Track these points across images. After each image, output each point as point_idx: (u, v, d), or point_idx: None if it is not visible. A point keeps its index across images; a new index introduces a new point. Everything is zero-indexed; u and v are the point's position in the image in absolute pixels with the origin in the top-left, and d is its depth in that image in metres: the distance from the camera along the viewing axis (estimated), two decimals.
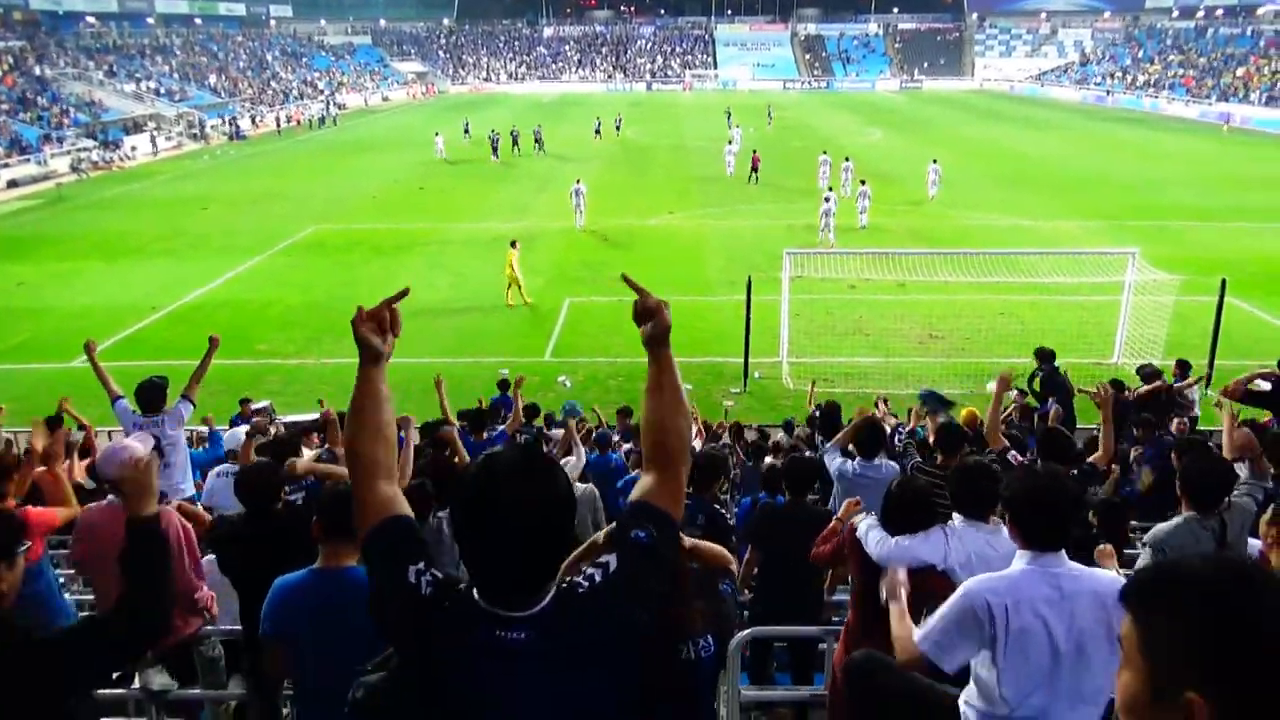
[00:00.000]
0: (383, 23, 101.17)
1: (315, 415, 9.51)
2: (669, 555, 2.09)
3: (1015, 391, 11.29)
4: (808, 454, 7.44)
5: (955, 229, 26.11)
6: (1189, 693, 1.27)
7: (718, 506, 5.70)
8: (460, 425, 8.79)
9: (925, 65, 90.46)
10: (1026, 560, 2.98)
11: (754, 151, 35.62)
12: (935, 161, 31.69)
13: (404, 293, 2.26)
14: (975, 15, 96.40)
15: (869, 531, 4.11)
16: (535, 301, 20.19)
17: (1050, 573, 2.93)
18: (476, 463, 1.93)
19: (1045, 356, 11.78)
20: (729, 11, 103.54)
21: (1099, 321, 17.03)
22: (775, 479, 6.03)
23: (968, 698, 3.10)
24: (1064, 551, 2.99)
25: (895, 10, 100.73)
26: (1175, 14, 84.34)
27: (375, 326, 2.15)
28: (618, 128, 51.29)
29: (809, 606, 5.29)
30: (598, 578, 1.94)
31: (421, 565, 1.92)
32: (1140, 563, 4.38)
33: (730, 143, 38.59)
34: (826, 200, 25.05)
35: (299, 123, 61.49)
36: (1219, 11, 77.92)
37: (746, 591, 5.72)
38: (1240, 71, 62.41)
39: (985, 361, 15.44)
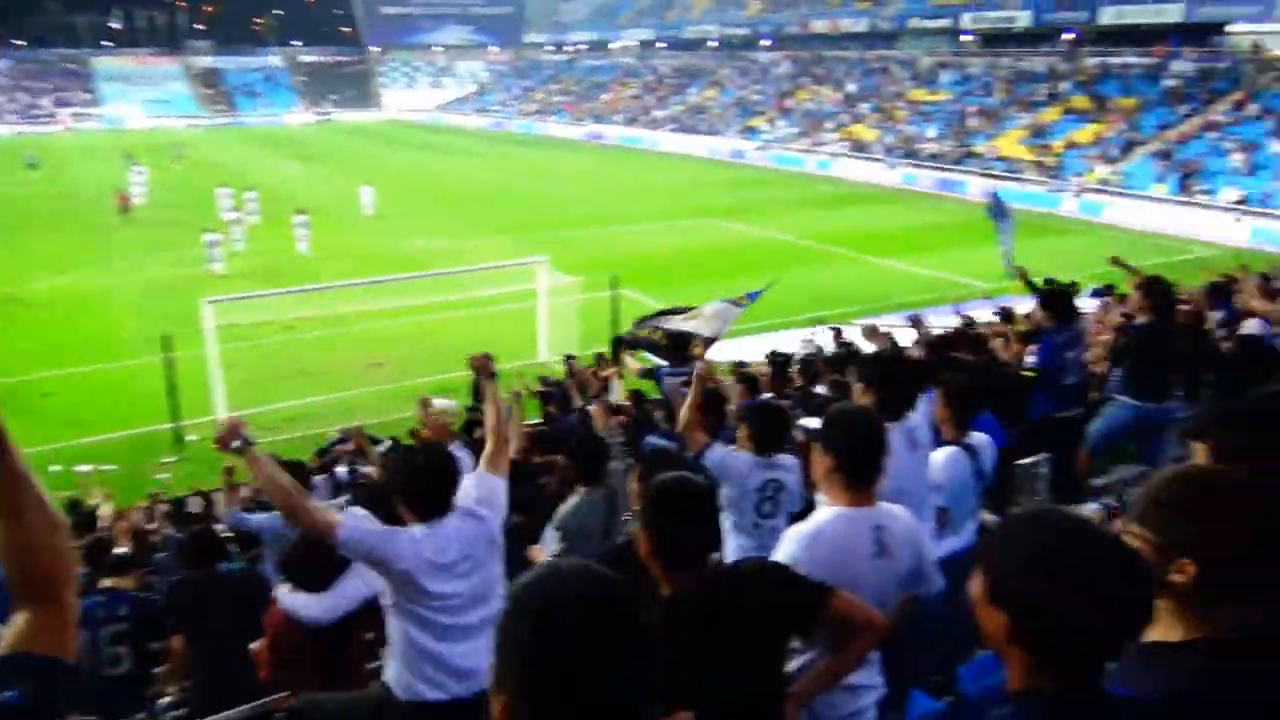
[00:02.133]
0: None
1: None
2: (60, 708, 1.62)
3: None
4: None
5: (386, 255, 26.54)
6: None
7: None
8: None
9: (334, 97, 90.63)
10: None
11: (117, 190, 34.81)
12: (369, 185, 34.52)
13: None
14: (376, 49, 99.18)
15: None
16: None
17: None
18: None
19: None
20: (108, 43, 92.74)
21: (524, 326, 18.60)
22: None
23: None
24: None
25: (296, 43, 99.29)
26: (549, 48, 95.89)
27: None
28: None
29: None
30: None
31: None
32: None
33: (134, 180, 36.92)
34: (210, 232, 25.65)
35: None
36: (583, 46, 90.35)
37: None
38: (606, 97, 73.08)
39: (430, 380, 15.92)
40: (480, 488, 3.61)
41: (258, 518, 5.98)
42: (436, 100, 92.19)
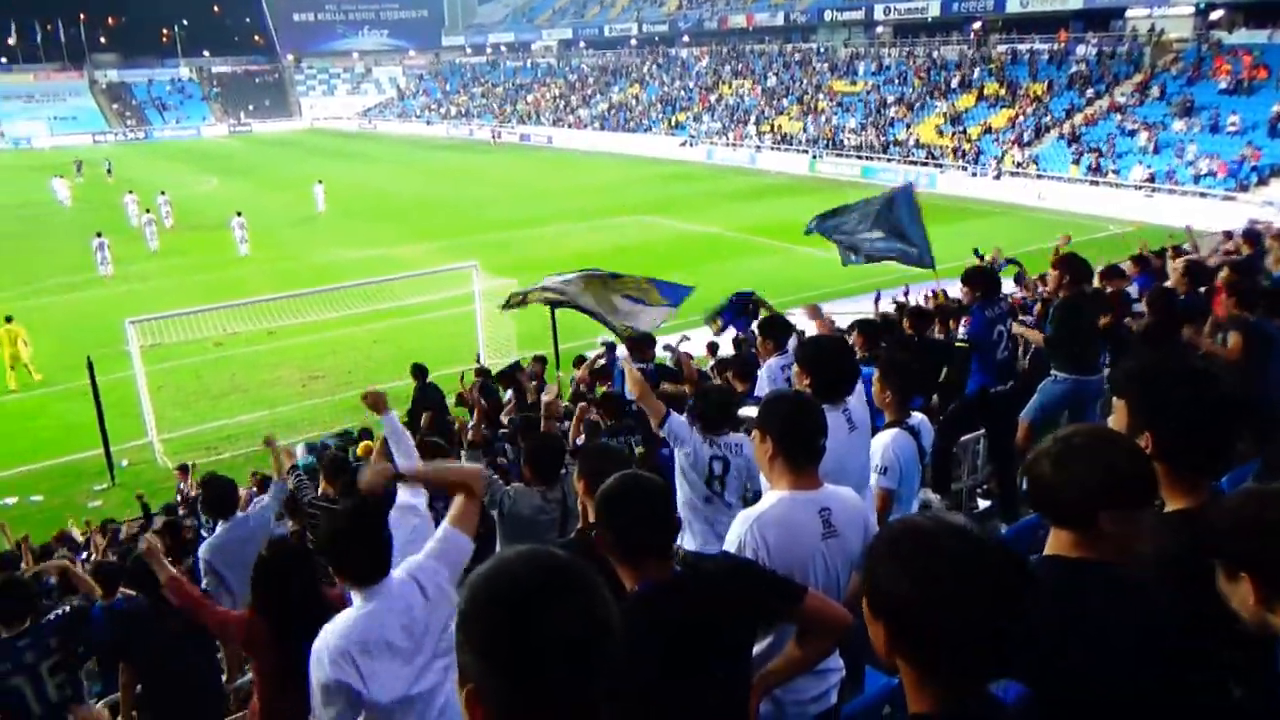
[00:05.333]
0: None
1: None
2: None
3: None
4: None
5: (314, 267, 26.10)
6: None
7: None
8: None
9: (251, 108, 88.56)
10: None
11: None
12: (320, 182, 36.40)
13: None
14: (290, 56, 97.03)
15: None
16: None
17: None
18: None
19: (418, 373, 12.51)
20: (3, 60, 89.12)
21: (462, 331, 18.47)
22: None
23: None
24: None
25: (205, 53, 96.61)
26: (469, 51, 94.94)
27: None
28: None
29: None
30: None
31: None
32: None
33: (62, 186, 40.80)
34: (99, 235, 26.58)
35: None
36: (503, 47, 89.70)
37: None
38: (530, 98, 72.69)
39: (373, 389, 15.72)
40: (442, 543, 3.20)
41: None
42: (356, 107, 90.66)
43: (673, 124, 55.91)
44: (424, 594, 3.06)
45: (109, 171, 49.64)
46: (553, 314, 16.95)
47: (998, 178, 35.46)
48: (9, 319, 17.72)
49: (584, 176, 45.23)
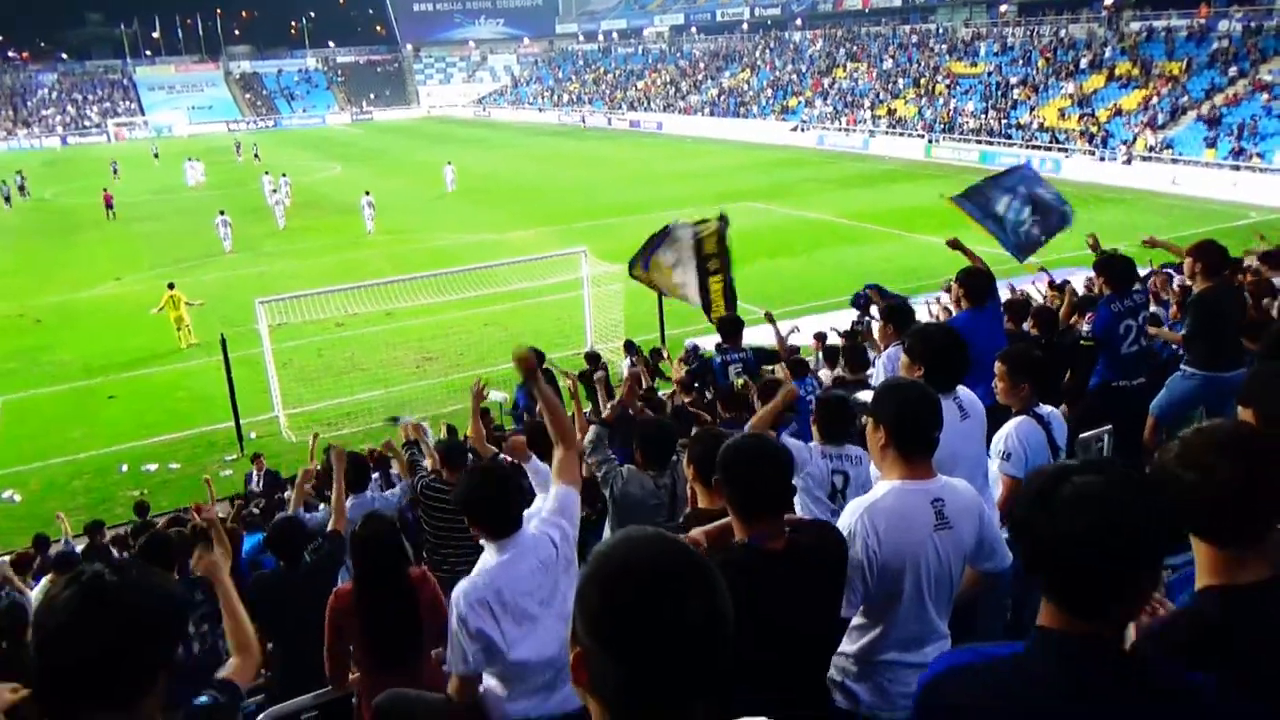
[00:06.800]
0: None
1: None
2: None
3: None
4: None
5: (428, 251, 26.86)
6: None
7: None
8: None
9: (372, 97, 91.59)
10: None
11: (104, 189, 37.22)
12: (450, 164, 39.09)
13: None
14: (410, 46, 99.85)
15: None
16: None
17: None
18: None
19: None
20: (148, 52, 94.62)
21: (569, 316, 18.72)
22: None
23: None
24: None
25: (331, 44, 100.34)
26: (581, 38, 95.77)
27: None
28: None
29: None
30: None
31: None
32: None
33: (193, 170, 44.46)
34: (221, 213, 28.74)
35: None
36: (615, 34, 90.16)
37: None
38: (640, 84, 72.87)
39: (481, 372, 16.04)
40: (555, 500, 3.46)
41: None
42: (472, 95, 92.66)
43: (784, 109, 55.12)
44: (554, 544, 3.30)
45: (256, 156, 52.92)
46: (659, 296, 17.02)
47: (1128, 162, 33.69)
48: (171, 285, 19.65)
49: (693, 162, 45.08)
